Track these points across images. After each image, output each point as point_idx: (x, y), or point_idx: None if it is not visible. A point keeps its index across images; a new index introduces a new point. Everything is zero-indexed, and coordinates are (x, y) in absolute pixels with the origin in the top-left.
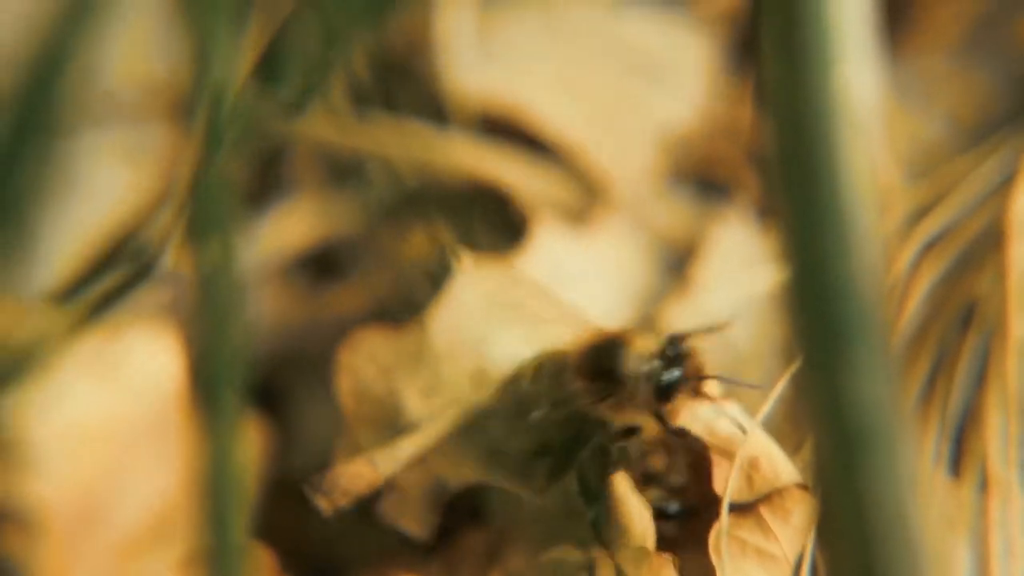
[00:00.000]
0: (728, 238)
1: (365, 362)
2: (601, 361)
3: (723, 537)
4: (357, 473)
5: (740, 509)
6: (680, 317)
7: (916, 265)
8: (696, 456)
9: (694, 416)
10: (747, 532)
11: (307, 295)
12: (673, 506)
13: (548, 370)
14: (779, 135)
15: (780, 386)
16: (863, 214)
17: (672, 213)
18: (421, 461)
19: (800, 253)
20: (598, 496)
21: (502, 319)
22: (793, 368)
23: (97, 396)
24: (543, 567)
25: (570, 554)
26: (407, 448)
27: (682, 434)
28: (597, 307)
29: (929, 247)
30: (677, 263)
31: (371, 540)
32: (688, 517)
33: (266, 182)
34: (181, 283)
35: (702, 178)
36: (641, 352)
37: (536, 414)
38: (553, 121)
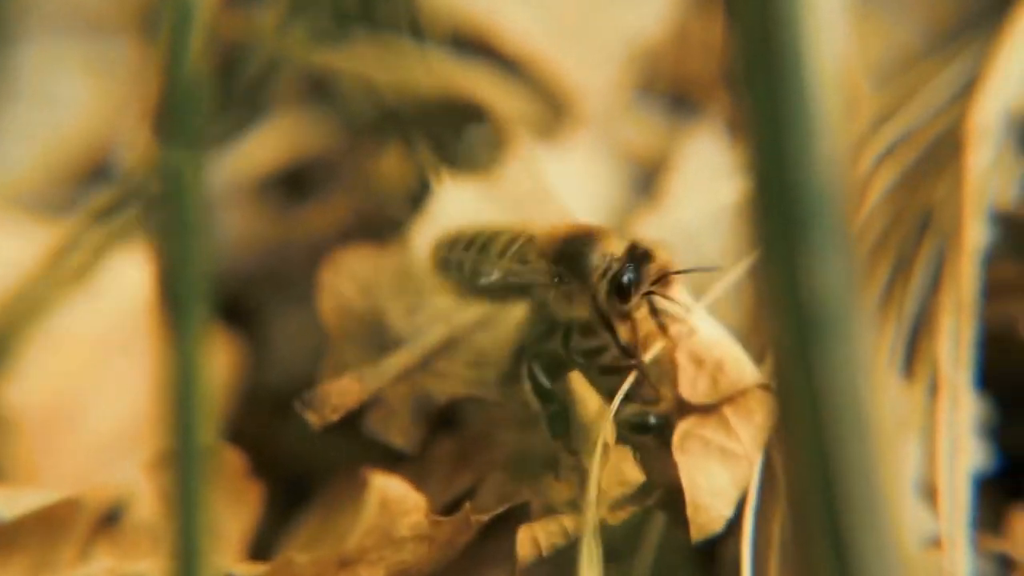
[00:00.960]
0: (698, 152)
1: (347, 281)
2: (568, 248)
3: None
4: (345, 389)
5: (704, 410)
6: (650, 229)
7: (876, 169)
8: (664, 364)
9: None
10: (711, 431)
11: (281, 214)
12: (651, 418)
13: (516, 246)
14: (745, 32)
15: (724, 281)
16: (828, 109)
17: (641, 127)
18: (406, 376)
19: (764, 146)
20: (551, 396)
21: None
22: (741, 266)
23: (70, 306)
24: (508, 466)
25: (534, 453)
26: (394, 364)
27: (630, 348)
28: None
29: (889, 152)
30: (647, 177)
31: (342, 449)
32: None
33: (241, 99)
34: (146, 193)
35: (673, 93)
36: (607, 250)
37: (486, 279)
38: (521, 36)
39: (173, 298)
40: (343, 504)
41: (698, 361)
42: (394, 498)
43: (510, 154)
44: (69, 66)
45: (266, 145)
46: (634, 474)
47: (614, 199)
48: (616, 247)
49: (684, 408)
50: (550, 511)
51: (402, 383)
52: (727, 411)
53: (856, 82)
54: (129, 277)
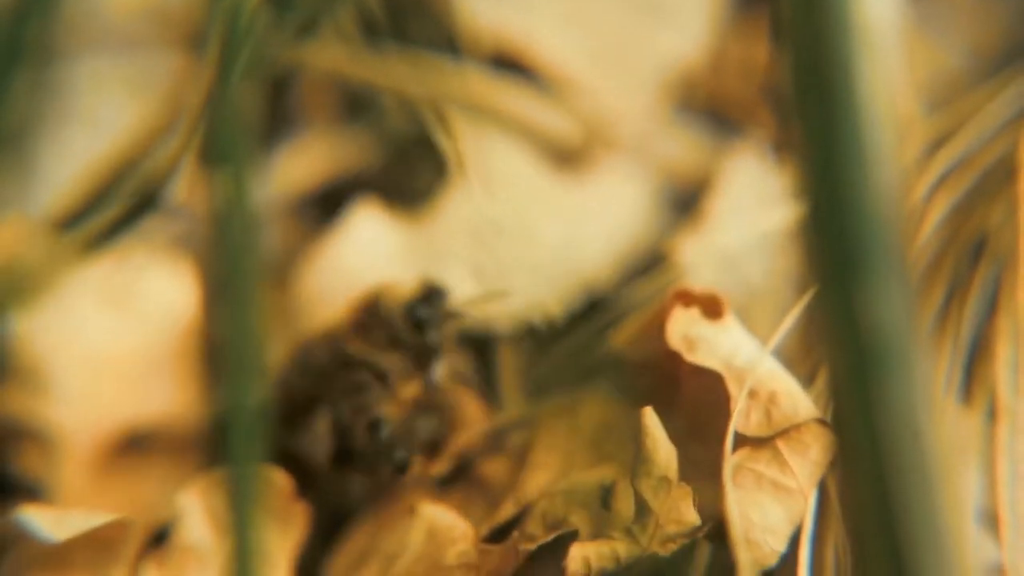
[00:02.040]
0: (740, 173)
1: None
2: (367, 311)
3: (734, 470)
4: None
5: (757, 443)
6: (691, 251)
7: (931, 195)
8: (450, 410)
9: (712, 350)
10: (763, 465)
11: (317, 231)
12: (402, 453)
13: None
14: (797, 61)
15: (792, 316)
16: (881, 138)
17: (680, 149)
18: None
19: (818, 177)
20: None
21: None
22: (806, 299)
23: (111, 325)
24: (557, 494)
25: (585, 480)
26: None
27: (435, 384)
28: (600, 244)
29: (944, 178)
30: (687, 199)
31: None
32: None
33: (276, 116)
34: (190, 214)
35: (712, 114)
36: (397, 296)
37: None
38: (559, 58)
39: (225, 317)
40: (387, 529)
41: (751, 393)
42: (442, 527)
43: (449, 190)
44: (112, 86)
45: (301, 163)
46: (690, 515)
47: (654, 221)
48: (402, 291)
49: (736, 441)
50: (599, 539)
51: None
52: (780, 445)
53: (909, 108)
54: (171, 297)
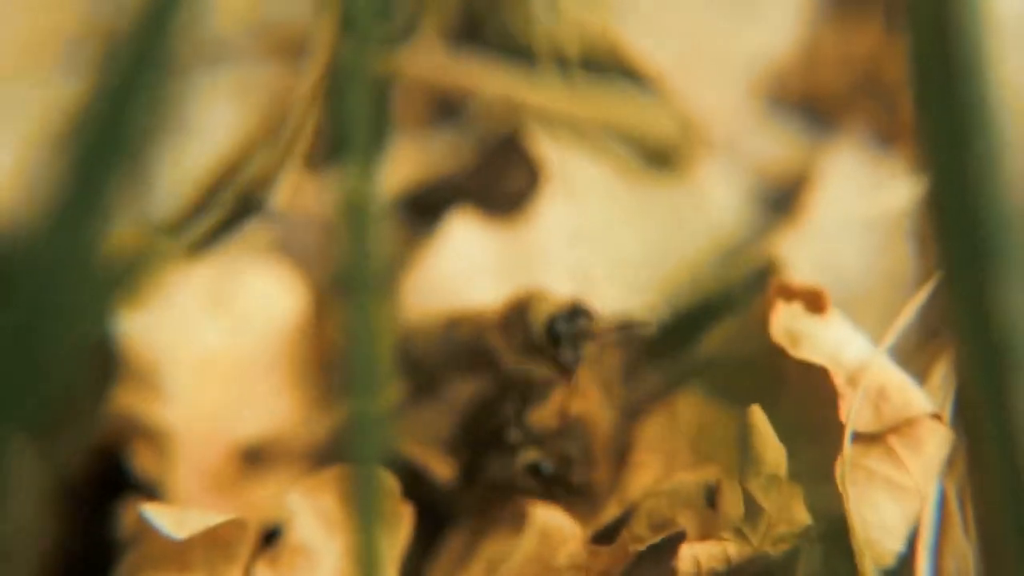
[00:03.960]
0: (839, 168)
1: None
2: (517, 317)
3: (848, 466)
4: None
5: (867, 439)
6: (792, 250)
7: None
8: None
9: (816, 345)
10: (875, 462)
11: (412, 237)
12: (547, 466)
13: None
14: (919, 46)
15: (905, 314)
16: (1007, 124)
17: (776, 146)
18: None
19: (943, 167)
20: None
21: None
22: (919, 295)
23: (216, 329)
24: (662, 495)
25: (689, 481)
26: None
27: (568, 376)
28: (697, 246)
29: None
30: (785, 195)
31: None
32: (563, 481)
33: (373, 122)
34: (292, 220)
35: (807, 108)
36: (547, 305)
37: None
38: (647, 57)
39: (353, 326)
40: (492, 530)
41: (858, 388)
42: (553, 528)
43: (540, 196)
44: (218, 97)
45: (395, 167)
46: (801, 515)
47: (752, 219)
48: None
49: (847, 438)
50: (707, 539)
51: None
52: (893, 441)
53: None
54: (274, 300)
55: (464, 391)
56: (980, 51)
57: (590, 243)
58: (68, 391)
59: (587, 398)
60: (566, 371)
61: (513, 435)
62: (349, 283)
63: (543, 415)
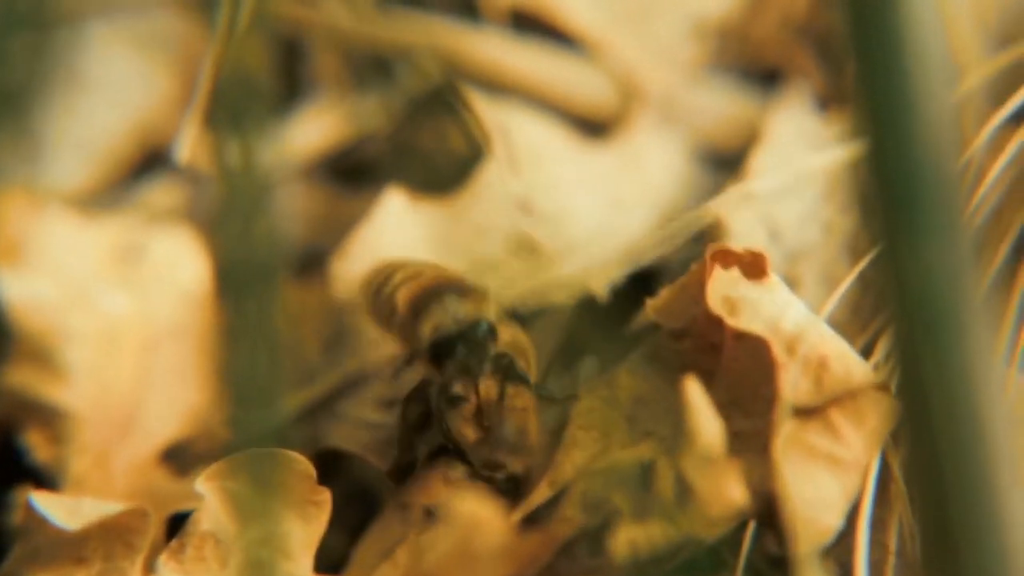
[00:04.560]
0: (784, 126)
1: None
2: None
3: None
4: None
5: (808, 412)
6: (735, 212)
7: (994, 143)
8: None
9: (755, 312)
10: (815, 436)
11: (333, 196)
12: (500, 475)
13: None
14: (851, 9)
15: (846, 280)
16: (938, 82)
17: (718, 105)
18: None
19: (871, 131)
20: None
21: None
22: (862, 262)
23: (120, 298)
24: (596, 474)
25: (625, 459)
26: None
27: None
28: (640, 211)
29: (1009, 124)
30: (730, 158)
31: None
32: (516, 486)
33: (289, 81)
34: (200, 181)
35: (748, 67)
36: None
37: None
38: (583, 16)
39: (235, 286)
40: (415, 517)
41: (798, 358)
42: (480, 513)
43: (482, 172)
44: (119, 49)
45: (313, 127)
46: (738, 495)
47: (694, 179)
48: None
49: (784, 411)
50: (639, 522)
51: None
52: (834, 414)
53: (971, 48)
54: (181, 266)
55: (392, 374)
56: (911, 4)
57: (528, 214)
58: None
59: (512, 394)
60: (472, 378)
61: (441, 423)
62: (232, 270)
63: (468, 411)
